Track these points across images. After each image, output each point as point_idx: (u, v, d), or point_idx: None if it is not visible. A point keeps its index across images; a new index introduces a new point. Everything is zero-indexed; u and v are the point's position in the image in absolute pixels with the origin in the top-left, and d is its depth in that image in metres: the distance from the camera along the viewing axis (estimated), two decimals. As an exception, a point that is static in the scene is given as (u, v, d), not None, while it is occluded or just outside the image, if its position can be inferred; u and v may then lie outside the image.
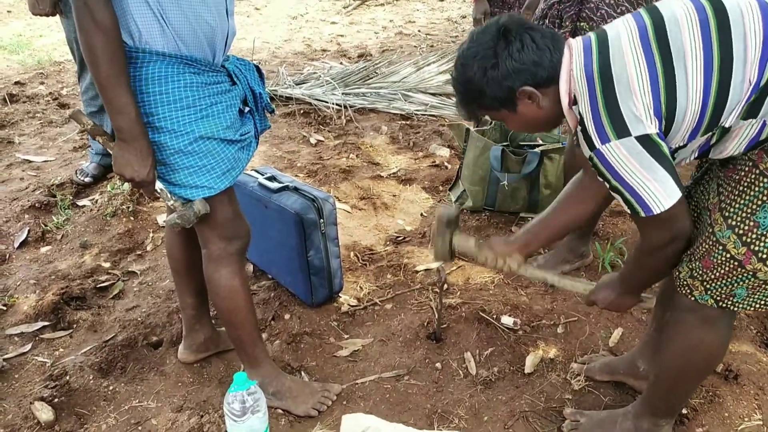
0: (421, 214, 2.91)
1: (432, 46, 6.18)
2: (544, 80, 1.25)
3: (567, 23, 2.02)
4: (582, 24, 2.01)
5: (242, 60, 1.57)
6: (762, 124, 1.14)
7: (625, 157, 1.16)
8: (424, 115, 4.16)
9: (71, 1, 1.24)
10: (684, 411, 1.68)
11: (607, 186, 1.23)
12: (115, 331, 2.07)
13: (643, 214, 1.20)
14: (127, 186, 2.87)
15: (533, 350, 1.96)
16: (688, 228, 1.26)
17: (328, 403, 1.75)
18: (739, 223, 1.19)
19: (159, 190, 1.45)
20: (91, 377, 1.85)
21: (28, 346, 2.01)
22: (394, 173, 3.33)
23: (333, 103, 4.23)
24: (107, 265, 2.48)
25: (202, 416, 1.69)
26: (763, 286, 1.23)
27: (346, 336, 2.08)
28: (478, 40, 1.28)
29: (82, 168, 3.17)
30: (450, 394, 1.81)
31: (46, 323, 2.12)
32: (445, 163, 3.44)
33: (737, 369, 1.83)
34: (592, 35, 1.27)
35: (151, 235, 2.69)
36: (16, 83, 4.88)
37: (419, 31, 7.12)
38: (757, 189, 1.17)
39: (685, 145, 1.23)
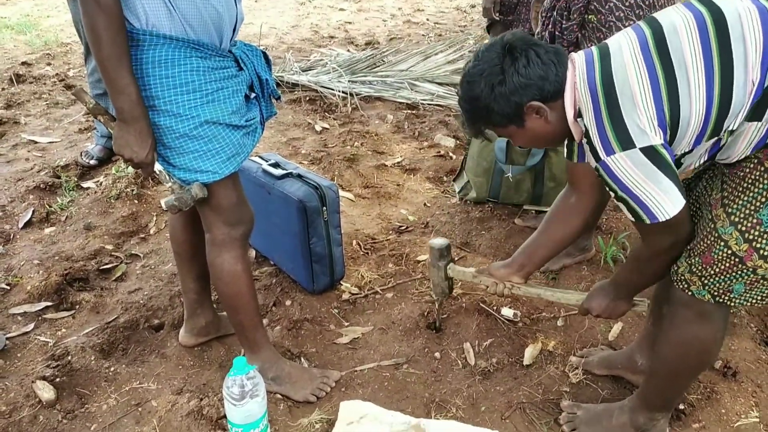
0: (425, 204, 2.91)
1: (440, 35, 6.14)
2: (550, 94, 1.28)
3: (575, 15, 2.00)
4: (590, 16, 1.99)
5: (249, 45, 1.56)
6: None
7: (630, 168, 1.18)
8: (431, 104, 4.14)
9: (74, -19, 1.25)
10: (681, 406, 1.68)
11: (613, 195, 1.25)
12: (117, 313, 2.09)
13: (648, 222, 1.22)
14: (131, 169, 2.88)
15: (532, 342, 1.97)
16: (690, 233, 1.29)
17: (327, 390, 1.76)
18: (742, 220, 1.19)
19: (158, 172, 1.46)
20: (92, 358, 1.87)
21: (31, 326, 2.03)
22: (398, 162, 3.33)
23: (339, 91, 4.22)
24: (110, 247, 2.50)
25: (201, 399, 1.70)
26: (762, 281, 1.23)
27: (346, 323, 2.09)
28: (483, 57, 1.31)
29: (88, 150, 3.18)
30: (448, 383, 1.82)
31: (49, 304, 2.13)
32: (450, 154, 3.43)
33: (736, 366, 1.84)
34: (594, 49, 1.29)
35: (154, 218, 2.70)
36: (23, 63, 4.88)
37: (428, 19, 7.08)
38: (761, 186, 1.17)
39: (691, 151, 1.23)
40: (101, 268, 2.35)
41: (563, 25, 2.05)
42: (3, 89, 4.30)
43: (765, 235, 1.17)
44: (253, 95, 1.55)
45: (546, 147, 1.55)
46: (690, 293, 1.30)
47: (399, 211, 2.84)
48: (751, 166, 1.19)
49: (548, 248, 1.64)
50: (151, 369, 1.86)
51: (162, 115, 1.39)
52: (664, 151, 1.17)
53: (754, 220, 1.18)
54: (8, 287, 2.24)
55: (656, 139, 1.16)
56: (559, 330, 2.03)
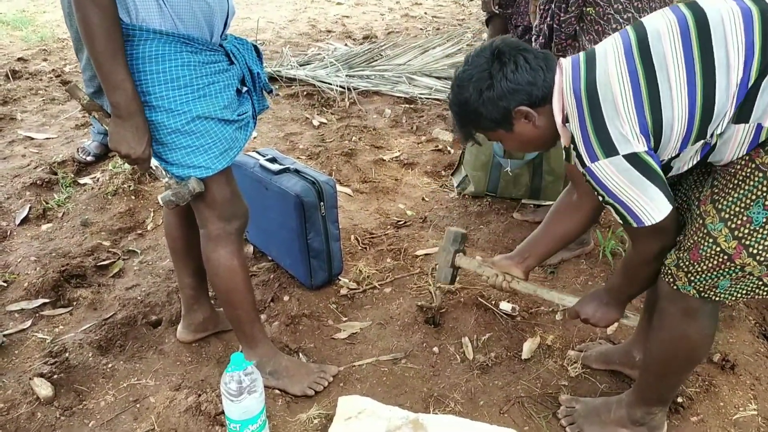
0: (423, 199, 2.90)
1: (438, 29, 6.12)
2: (539, 99, 1.30)
3: (573, 8, 1.99)
4: (588, 9, 1.97)
5: (240, 39, 1.55)
6: (756, 127, 1.13)
7: (614, 175, 1.19)
8: (429, 98, 4.13)
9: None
10: (679, 400, 1.68)
11: (601, 200, 1.27)
12: (114, 310, 2.08)
13: (635, 225, 1.24)
14: (128, 165, 2.87)
15: (531, 336, 1.97)
16: (676, 238, 1.31)
17: (324, 384, 1.76)
18: (732, 217, 1.19)
19: (154, 167, 1.45)
20: (90, 354, 1.87)
21: (28, 323, 2.02)
22: (396, 157, 3.32)
23: (337, 85, 4.20)
24: (108, 243, 2.49)
25: (199, 395, 1.70)
26: (748, 277, 1.23)
27: (344, 319, 2.09)
28: (473, 63, 1.33)
29: (84, 146, 3.17)
30: (447, 378, 1.82)
31: (47, 300, 2.13)
32: (448, 148, 3.42)
33: (734, 359, 1.84)
34: (581, 54, 1.30)
35: (151, 214, 2.69)
36: (19, 59, 4.86)
37: (426, 13, 7.05)
38: (751, 183, 1.16)
39: (678, 155, 1.24)
40: (98, 264, 2.34)
41: (561, 18, 2.04)
42: (-1, 85, 4.28)
43: (755, 234, 1.17)
44: (244, 89, 1.54)
45: (536, 150, 1.57)
46: (675, 287, 1.31)
47: (397, 206, 2.83)
48: (742, 163, 1.18)
49: (551, 243, 1.66)
50: (149, 365, 1.86)
51: (153, 111, 1.38)
52: (648, 158, 1.18)
53: (744, 218, 1.17)
54: (5, 284, 2.23)
55: (639, 146, 1.17)
56: (557, 324, 2.03)
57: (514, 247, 1.75)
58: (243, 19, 6.32)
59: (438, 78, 4.38)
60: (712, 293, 1.27)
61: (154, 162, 1.44)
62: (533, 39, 2.17)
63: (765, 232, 1.16)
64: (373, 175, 3.09)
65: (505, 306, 2.09)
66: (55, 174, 2.98)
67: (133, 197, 2.79)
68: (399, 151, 3.40)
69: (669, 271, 1.31)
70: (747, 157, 1.17)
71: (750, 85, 1.11)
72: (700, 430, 1.62)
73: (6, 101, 4.00)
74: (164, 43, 1.34)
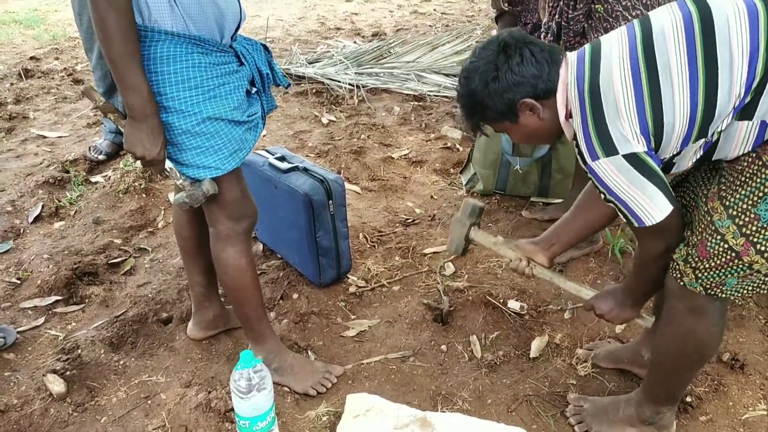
0: (431, 197, 2.90)
1: (447, 25, 6.10)
2: (543, 92, 1.31)
3: (581, 5, 1.98)
4: (597, 6, 1.96)
5: (249, 39, 1.56)
6: (761, 124, 1.13)
7: (614, 174, 1.20)
8: (437, 96, 4.13)
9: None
10: (688, 399, 1.68)
11: (603, 198, 1.27)
12: (126, 307, 2.10)
13: (636, 225, 1.24)
14: (139, 164, 2.89)
15: (539, 335, 1.97)
16: (681, 237, 1.31)
17: (328, 385, 1.77)
18: (739, 214, 1.18)
19: (168, 169, 1.46)
20: (102, 351, 1.89)
21: (42, 320, 2.05)
22: (405, 155, 3.32)
23: (346, 83, 4.20)
24: (119, 241, 2.52)
25: (210, 392, 1.72)
26: (755, 274, 1.22)
27: (353, 316, 2.10)
28: (480, 55, 1.35)
29: (96, 145, 3.20)
30: (455, 376, 1.82)
31: (59, 298, 2.16)
32: (457, 146, 3.42)
33: (744, 358, 1.83)
34: (587, 47, 1.30)
35: (162, 212, 2.72)
36: (32, 58, 4.91)
37: (435, 10, 7.03)
38: (759, 180, 1.16)
39: (680, 152, 1.23)
40: (110, 262, 2.37)
41: (570, 15, 2.03)
42: (12, 84, 4.33)
43: (763, 231, 1.16)
44: (254, 90, 1.55)
45: (543, 143, 1.55)
46: (682, 283, 1.30)
47: (406, 204, 2.84)
48: (750, 159, 1.18)
49: (578, 230, 1.63)
50: (160, 362, 1.88)
51: (164, 112, 1.39)
52: (648, 158, 1.18)
53: (752, 215, 1.17)
54: (19, 281, 2.26)
55: (639, 147, 1.18)
56: (566, 323, 2.03)
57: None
58: (253, 17, 6.33)
59: (447, 75, 4.37)
60: (718, 290, 1.27)
61: (168, 164, 1.45)
62: (542, 36, 2.17)
63: None
64: (381, 173, 3.09)
65: (514, 304, 2.09)
66: (68, 172, 3.01)
67: (144, 195, 2.82)
68: (408, 148, 3.40)
69: (677, 266, 1.31)
70: (754, 154, 1.17)
71: (755, 85, 1.10)
72: (709, 429, 1.62)
73: (19, 100, 4.04)
74: (175, 44, 1.35)
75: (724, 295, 1.28)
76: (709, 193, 1.28)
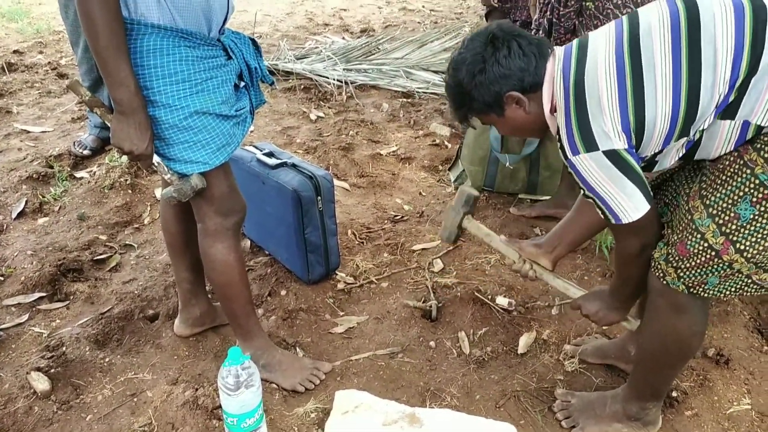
0: (420, 194, 2.90)
1: (436, 22, 6.10)
2: (530, 86, 1.30)
3: (572, 2, 1.99)
4: (588, 3, 1.97)
5: (237, 33, 1.54)
6: (743, 124, 1.13)
7: (594, 170, 1.21)
8: (426, 93, 4.13)
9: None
10: (674, 394, 1.69)
11: (581, 193, 1.27)
12: (111, 304, 2.08)
13: (613, 221, 1.25)
14: (125, 159, 2.86)
15: (527, 331, 1.98)
16: (658, 236, 1.32)
17: (316, 381, 1.76)
18: (719, 213, 1.19)
19: (156, 164, 1.45)
20: (87, 349, 1.87)
21: (25, 317, 2.02)
22: (393, 151, 3.32)
23: (334, 79, 4.19)
24: (104, 237, 2.49)
25: (197, 389, 1.70)
26: (736, 274, 1.23)
27: (341, 313, 2.09)
28: (468, 46, 1.34)
29: (81, 140, 3.16)
30: (443, 372, 1.83)
31: (43, 294, 2.13)
32: (446, 143, 3.42)
33: (728, 353, 1.85)
34: (575, 42, 1.30)
35: (148, 208, 2.69)
36: (15, 52, 4.83)
37: (423, 6, 7.03)
38: (739, 180, 1.17)
39: (662, 151, 1.24)
40: (95, 258, 2.34)
41: (561, 12, 2.04)
42: (-6, 78, 4.26)
43: (742, 230, 1.17)
44: (242, 84, 1.54)
45: (530, 137, 1.54)
46: (665, 282, 1.31)
47: (394, 201, 2.83)
48: (731, 159, 1.19)
49: (581, 231, 1.62)
50: (146, 359, 1.86)
51: (151, 106, 1.38)
52: (628, 156, 1.19)
53: (732, 214, 1.18)
54: (2, 278, 2.23)
55: (619, 144, 1.18)
56: (553, 319, 2.04)
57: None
58: (240, 12, 6.29)
59: (436, 72, 4.37)
60: (700, 289, 1.28)
61: (156, 158, 1.44)
62: (533, 33, 2.17)
63: (752, 228, 1.16)
64: (370, 170, 3.09)
65: (502, 301, 2.10)
66: (52, 167, 2.97)
67: (129, 191, 2.79)
68: (396, 145, 3.39)
69: (659, 266, 1.32)
70: (735, 154, 1.18)
71: (738, 83, 1.11)
72: (694, 424, 1.63)
73: (2, 94, 3.98)
74: (162, 37, 1.33)
75: (706, 295, 1.29)
76: (690, 192, 1.28)
